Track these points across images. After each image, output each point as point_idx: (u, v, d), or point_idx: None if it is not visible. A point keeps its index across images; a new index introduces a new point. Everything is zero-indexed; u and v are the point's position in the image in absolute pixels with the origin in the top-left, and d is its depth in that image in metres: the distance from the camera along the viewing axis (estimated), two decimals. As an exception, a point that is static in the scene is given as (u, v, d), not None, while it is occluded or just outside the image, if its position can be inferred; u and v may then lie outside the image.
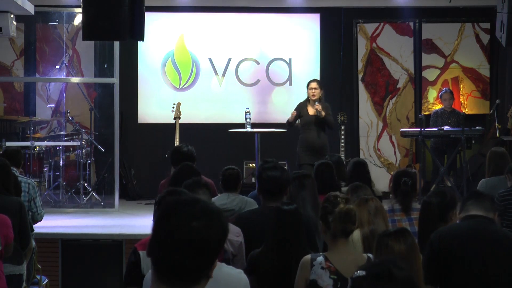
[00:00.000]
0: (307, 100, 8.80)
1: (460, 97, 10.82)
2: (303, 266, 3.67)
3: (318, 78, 10.84)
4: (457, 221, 4.11)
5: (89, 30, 6.69)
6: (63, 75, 10.37)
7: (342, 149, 9.90)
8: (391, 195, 5.33)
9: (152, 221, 4.04)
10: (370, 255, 3.69)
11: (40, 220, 6.10)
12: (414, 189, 5.05)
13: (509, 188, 5.85)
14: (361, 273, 1.97)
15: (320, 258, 3.64)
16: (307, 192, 5.04)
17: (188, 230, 1.90)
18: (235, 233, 4.54)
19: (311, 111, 8.73)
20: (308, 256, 3.69)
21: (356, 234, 4.19)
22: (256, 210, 4.94)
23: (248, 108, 9.21)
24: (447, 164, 9.58)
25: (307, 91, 8.82)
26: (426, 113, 10.37)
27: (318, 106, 8.59)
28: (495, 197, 5.74)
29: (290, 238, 3.92)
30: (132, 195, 10.46)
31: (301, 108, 8.80)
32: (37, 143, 9.58)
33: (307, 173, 5.33)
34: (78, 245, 7.46)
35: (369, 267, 2.00)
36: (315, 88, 8.71)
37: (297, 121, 8.87)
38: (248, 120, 9.09)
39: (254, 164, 9.52)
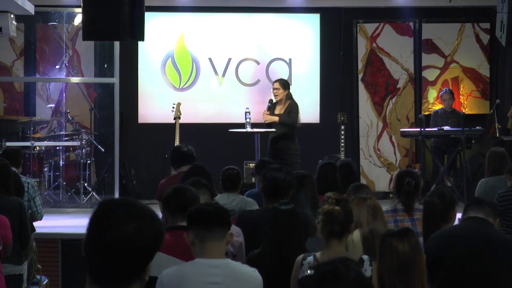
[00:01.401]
0: (270, 101, 8.92)
1: (460, 97, 10.82)
2: (296, 266, 3.69)
3: (318, 78, 10.88)
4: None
5: (89, 30, 6.69)
6: (63, 75, 10.37)
7: (342, 149, 9.90)
8: (391, 195, 5.32)
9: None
10: (365, 256, 3.68)
11: (40, 219, 6.10)
12: (417, 190, 5.04)
13: (509, 188, 5.84)
14: (310, 272, 1.97)
15: (310, 258, 3.64)
16: (307, 192, 5.05)
17: (118, 232, 1.88)
18: (235, 233, 4.54)
19: (277, 111, 8.81)
20: (301, 256, 3.70)
21: (356, 235, 4.18)
22: (258, 210, 4.95)
23: (248, 108, 9.20)
24: (447, 164, 9.58)
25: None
26: (426, 113, 10.36)
27: (265, 116, 8.62)
28: (495, 197, 5.75)
29: (288, 238, 3.92)
30: (132, 195, 10.44)
31: (270, 109, 8.89)
32: (37, 143, 9.57)
33: (307, 173, 5.33)
34: (78, 245, 7.43)
35: (318, 267, 1.98)
36: (276, 89, 8.80)
37: None
38: (248, 120, 9.08)
39: (254, 164, 9.50)
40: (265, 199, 4.76)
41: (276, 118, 8.64)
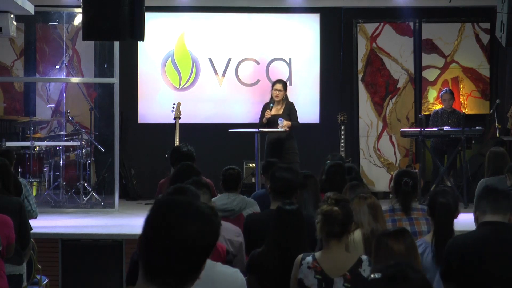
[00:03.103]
0: (271, 101, 8.93)
1: (460, 97, 10.82)
2: (295, 266, 3.70)
3: (318, 78, 10.89)
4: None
5: (89, 30, 6.69)
6: (63, 75, 10.37)
7: (342, 149, 9.91)
8: (391, 195, 5.32)
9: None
10: (364, 256, 3.67)
11: (35, 218, 6.07)
12: (415, 190, 5.03)
13: (510, 188, 5.84)
14: (376, 275, 1.99)
15: (309, 258, 3.65)
16: (309, 192, 5.06)
17: (180, 233, 1.89)
18: (235, 233, 4.55)
19: (274, 111, 8.90)
20: (300, 256, 3.70)
21: (357, 235, 4.17)
22: (265, 212, 4.95)
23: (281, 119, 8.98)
24: (447, 164, 9.58)
25: (271, 91, 9.02)
26: (426, 113, 10.37)
27: (285, 126, 8.70)
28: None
29: (291, 238, 3.92)
30: (132, 195, 10.46)
31: (266, 108, 8.99)
32: (37, 143, 9.57)
33: (310, 174, 5.33)
34: (78, 245, 7.46)
35: (384, 269, 2.01)
36: (279, 90, 8.93)
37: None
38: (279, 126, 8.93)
39: (254, 164, 9.51)
40: (273, 198, 4.74)
41: (290, 123, 8.78)
